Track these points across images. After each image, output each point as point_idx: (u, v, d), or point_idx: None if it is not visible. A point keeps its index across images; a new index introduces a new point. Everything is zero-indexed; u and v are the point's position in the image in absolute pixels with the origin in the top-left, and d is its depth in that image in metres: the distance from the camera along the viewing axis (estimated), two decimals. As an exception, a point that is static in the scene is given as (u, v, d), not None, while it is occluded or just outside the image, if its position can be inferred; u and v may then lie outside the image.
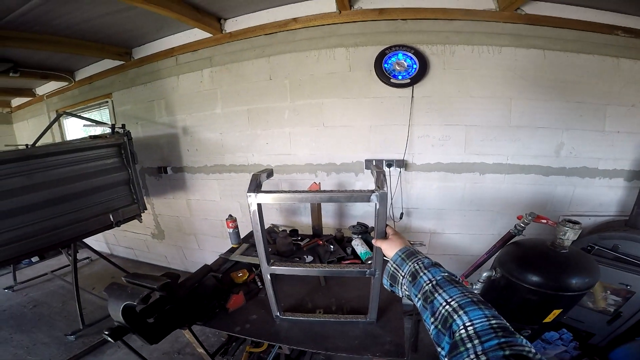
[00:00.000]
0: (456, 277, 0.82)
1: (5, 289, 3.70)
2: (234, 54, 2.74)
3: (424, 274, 0.85)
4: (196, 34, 2.78)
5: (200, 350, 1.73)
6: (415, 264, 0.91)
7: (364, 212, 2.78)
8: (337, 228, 2.40)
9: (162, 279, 1.32)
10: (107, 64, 3.38)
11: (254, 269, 1.97)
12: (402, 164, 2.53)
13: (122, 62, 3.27)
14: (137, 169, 3.10)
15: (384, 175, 1.11)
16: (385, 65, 2.37)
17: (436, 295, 0.76)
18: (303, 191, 1.17)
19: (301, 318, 1.53)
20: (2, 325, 3.01)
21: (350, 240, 2.20)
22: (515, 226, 1.93)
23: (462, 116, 2.38)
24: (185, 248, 3.87)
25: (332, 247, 2.19)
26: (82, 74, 3.73)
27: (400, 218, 2.65)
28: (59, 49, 2.74)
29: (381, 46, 2.37)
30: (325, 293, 1.78)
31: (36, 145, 2.59)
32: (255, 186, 1.14)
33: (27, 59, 3.16)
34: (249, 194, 1.12)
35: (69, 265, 3.25)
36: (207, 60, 2.85)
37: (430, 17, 2.29)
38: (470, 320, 0.64)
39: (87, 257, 4.52)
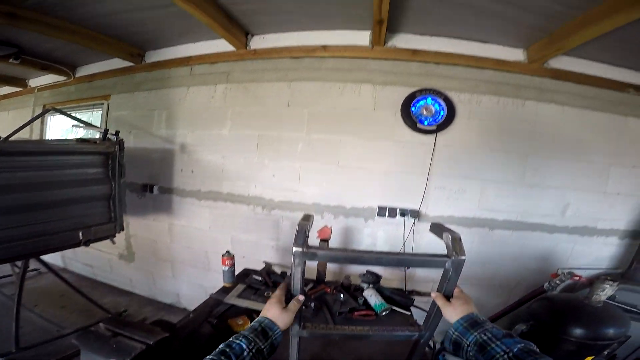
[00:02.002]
0: (533, 345, 0.79)
1: None
2: (254, 72, 2.63)
3: (497, 345, 0.81)
4: (218, 45, 2.67)
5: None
6: (483, 335, 0.86)
7: None
8: (345, 275, 2.19)
9: (156, 330, 1.05)
10: (114, 63, 3.18)
11: (254, 316, 1.69)
12: (416, 214, 2.42)
13: (131, 64, 3.08)
14: (121, 184, 2.75)
15: (460, 240, 0.96)
16: (413, 108, 2.33)
17: None
18: (365, 251, 0.98)
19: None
20: None
21: (358, 288, 2.06)
22: (549, 282, 2.14)
23: (480, 170, 2.38)
24: (157, 274, 3.45)
25: (341, 295, 1.96)
26: (84, 71, 3.49)
27: (408, 267, 2.50)
28: (72, 38, 2.60)
29: (410, 88, 2.35)
30: (341, 348, 1.56)
31: (9, 139, 2.21)
32: (304, 239, 0.90)
33: (34, 46, 2.96)
34: (296, 248, 0.87)
35: (10, 275, 2.79)
36: (223, 75, 2.71)
37: (463, 63, 2.34)
38: None
39: (36, 269, 3.78)
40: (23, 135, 2.78)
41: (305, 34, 2.47)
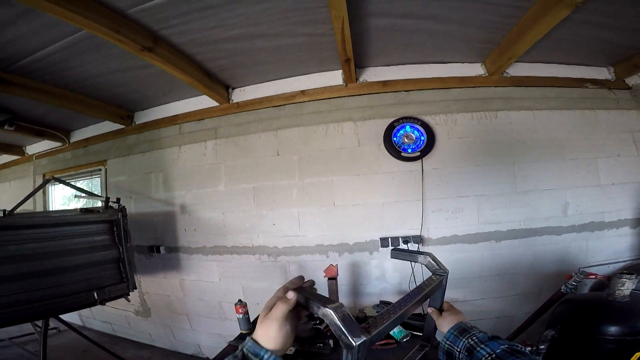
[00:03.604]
0: (518, 346, 0.82)
1: None
2: (240, 125, 2.70)
3: (482, 348, 0.85)
4: (202, 101, 2.74)
5: None
6: (470, 339, 0.91)
7: (381, 290, 2.62)
8: (359, 308, 2.23)
9: None
10: (106, 126, 3.24)
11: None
12: (419, 239, 2.46)
13: (122, 127, 3.13)
14: (128, 248, 2.83)
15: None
16: (395, 138, 2.38)
17: None
18: (400, 306, 0.83)
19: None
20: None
21: (371, 320, 2.04)
22: (565, 285, 2.04)
23: (472, 186, 2.41)
24: (175, 327, 3.49)
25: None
26: (78, 136, 3.55)
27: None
28: (62, 103, 2.64)
29: (388, 119, 2.42)
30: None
31: (14, 212, 2.28)
32: (357, 325, 0.65)
33: (27, 111, 3.01)
34: (354, 339, 0.59)
35: (32, 333, 2.86)
36: (212, 131, 2.78)
37: (430, 87, 2.44)
38: None
39: (55, 328, 3.84)
40: (27, 206, 2.84)
41: (282, 81, 2.55)
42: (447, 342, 0.98)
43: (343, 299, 2.66)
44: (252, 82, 2.64)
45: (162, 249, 3.11)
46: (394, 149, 2.36)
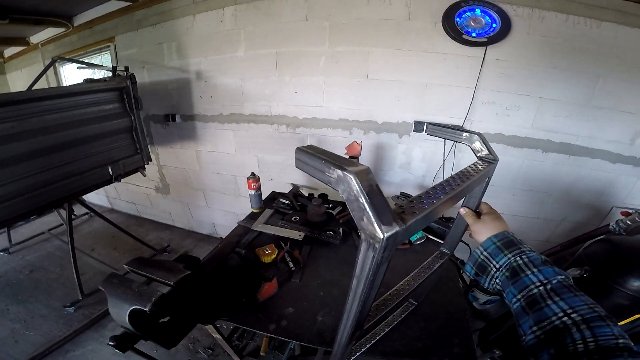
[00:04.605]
0: (571, 280, 0.68)
1: (0, 251, 3.37)
2: None
3: (532, 273, 0.69)
4: None
5: (217, 335, 1.45)
6: (518, 258, 0.72)
7: (402, 180, 2.45)
8: None
9: (178, 268, 0.98)
10: (111, 6, 2.95)
11: (282, 244, 1.65)
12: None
13: (128, 3, 2.82)
14: (141, 116, 2.73)
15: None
16: (458, 19, 1.99)
17: (549, 302, 0.63)
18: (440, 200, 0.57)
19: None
20: (-2, 295, 2.76)
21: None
22: (617, 222, 1.71)
23: (538, 87, 2.03)
24: (192, 205, 3.58)
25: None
26: (81, 19, 3.28)
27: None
28: None
29: None
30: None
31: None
32: (390, 210, 0.44)
33: (19, 2, 2.77)
34: (384, 228, 0.40)
35: (62, 224, 2.91)
36: None
37: None
38: (594, 337, 0.55)
39: (87, 213, 4.06)
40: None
41: None
42: (484, 254, 0.79)
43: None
44: None
45: (177, 117, 3.01)
46: (455, 30, 1.99)
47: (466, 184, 0.65)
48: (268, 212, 1.95)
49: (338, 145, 2.30)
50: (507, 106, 2.10)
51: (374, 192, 0.39)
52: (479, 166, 0.77)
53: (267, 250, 1.53)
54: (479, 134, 0.86)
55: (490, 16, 1.96)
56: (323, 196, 2.16)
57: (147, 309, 0.80)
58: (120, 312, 0.82)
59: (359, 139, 2.24)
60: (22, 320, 2.46)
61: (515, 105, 2.09)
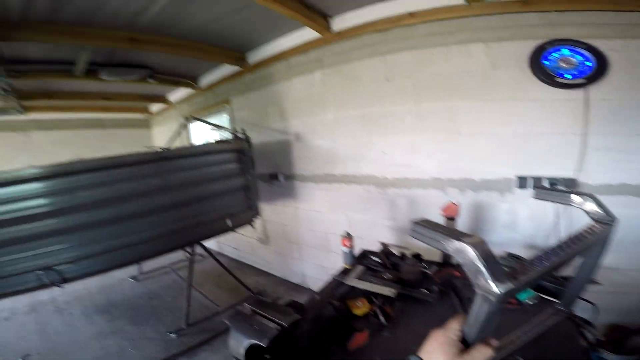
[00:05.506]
0: None
1: (131, 277, 4.10)
2: (343, 54, 2.58)
3: None
4: (304, 35, 2.72)
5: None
6: None
7: (507, 240, 2.17)
8: None
9: (289, 312, 1.11)
10: (225, 70, 3.56)
11: (373, 299, 1.66)
12: (572, 183, 1.93)
13: (239, 68, 3.39)
14: (253, 175, 3.13)
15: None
16: (546, 62, 1.90)
17: None
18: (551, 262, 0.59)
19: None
20: (121, 315, 3.29)
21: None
22: None
23: None
24: (287, 256, 3.81)
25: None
26: (204, 81, 4.03)
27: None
28: (186, 52, 2.96)
29: (534, 40, 1.92)
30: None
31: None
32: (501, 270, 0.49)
33: (161, 65, 3.53)
34: (498, 285, 0.46)
35: (184, 260, 3.47)
36: (317, 62, 2.74)
37: (593, 7, 1.79)
38: None
39: (201, 255, 4.66)
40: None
41: (385, 4, 2.27)
42: None
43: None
44: (349, 8, 2.45)
45: (280, 177, 3.36)
46: (546, 74, 1.89)
47: (578, 247, 0.64)
48: (359, 268, 1.98)
49: (432, 205, 2.22)
50: (627, 151, 1.81)
51: (489, 258, 0.47)
52: (595, 229, 0.73)
53: (358, 303, 1.56)
54: (592, 196, 0.82)
55: (581, 54, 1.82)
56: (417, 255, 2.12)
57: (264, 344, 0.94)
58: (238, 345, 0.97)
59: (454, 198, 2.15)
60: (132, 339, 2.83)
61: (636, 149, 1.80)
